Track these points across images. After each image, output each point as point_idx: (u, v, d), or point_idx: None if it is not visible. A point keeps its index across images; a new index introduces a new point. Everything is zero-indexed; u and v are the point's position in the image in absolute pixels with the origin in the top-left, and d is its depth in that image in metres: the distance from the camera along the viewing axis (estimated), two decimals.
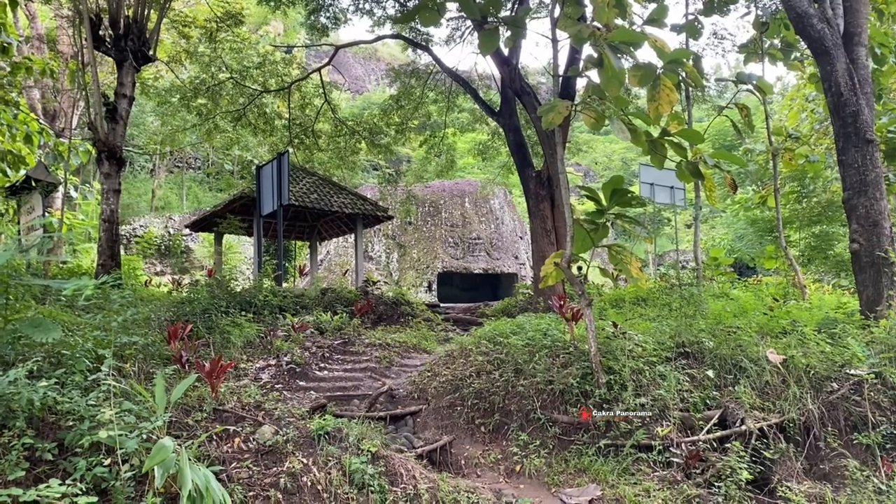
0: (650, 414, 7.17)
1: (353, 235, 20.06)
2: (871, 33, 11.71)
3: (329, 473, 5.52)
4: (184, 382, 5.49)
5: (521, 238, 33.60)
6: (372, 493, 5.44)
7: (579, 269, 16.15)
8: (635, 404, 7.16)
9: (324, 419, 6.12)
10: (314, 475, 5.48)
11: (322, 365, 9.65)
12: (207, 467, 5.12)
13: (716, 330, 8.73)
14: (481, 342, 8.83)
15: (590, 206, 8.12)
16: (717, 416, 7.35)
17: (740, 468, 6.35)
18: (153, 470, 4.43)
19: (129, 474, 4.54)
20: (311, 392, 8.51)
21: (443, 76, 22.11)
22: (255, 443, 5.71)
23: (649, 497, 6.13)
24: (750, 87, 11.48)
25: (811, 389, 7.38)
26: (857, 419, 7.12)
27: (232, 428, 5.76)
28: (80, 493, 4.26)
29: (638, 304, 12.00)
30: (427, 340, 12.03)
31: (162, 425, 4.97)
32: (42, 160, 18.10)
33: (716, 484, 6.35)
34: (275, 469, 5.48)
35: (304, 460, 5.60)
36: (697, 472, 6.61)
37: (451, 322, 14.84)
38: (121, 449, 4.61)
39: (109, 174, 14.79)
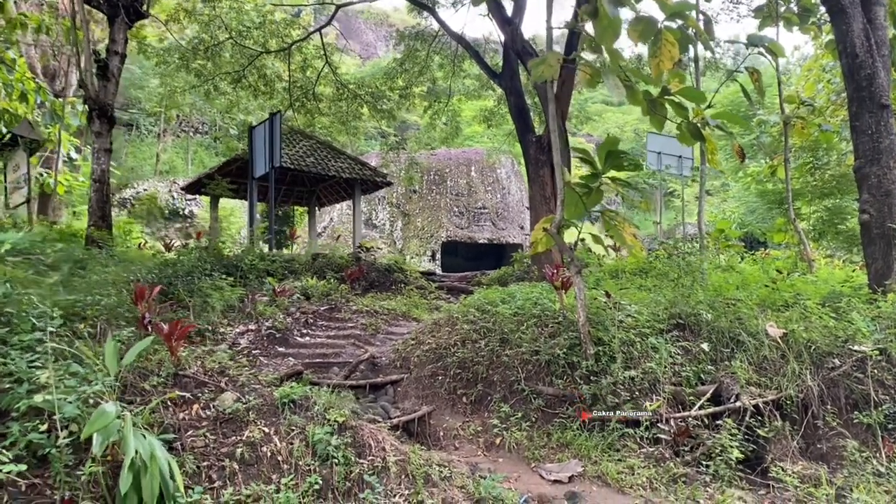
0: (640, 388, 6.82)
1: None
2: None
3: (291, 444, 5.21)
4: (138, 345, 5.18)
5: (527, 208, 33.04)
6: (336, 465, 5.14)
7: (582, 240, 15.76)
8: (624, 377, 6.81)
9: (291, 387, 5.80)
10: (275, 445, 5.18)
11: (304, 331, 9.35)
12: (159, 435, 4.84)
13: (715, 302, 8.33)
14: (469, 311, 8.48)
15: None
16: (710, 392, 6.99)
17: (732, 446, 6.01)
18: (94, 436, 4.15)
19: (66, 441, 4.24)
20: (290, 359, 8.21)
21: (448, 40, 21.47)
22: (214, 410, 5.41)
23: (633, 475, 5.81)
24: (762, 49, 10.93)
25: (811, 365, 6.99)
26: (859, 397, 6.73)
27: (187, 394, 5.45)
28: (7, 460, 3.97)
29: (638, 276, 11.60)
30: (417, 308, 11.70)
31: (106, 389, 4.66)
32: (29, 120, 17.70)
33: (705, 463, 6.01)
34: (233, 438, 5.19)
35: (266, 429, 5.29)
36: (686, 449, 6.27)
37: (445, 290, 14.49)
38: (60, 414, 4.31)
39: (100, 133, 14.43)
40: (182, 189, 21.28)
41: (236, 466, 4.93)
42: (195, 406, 5.42)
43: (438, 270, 26.81)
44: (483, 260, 31.72)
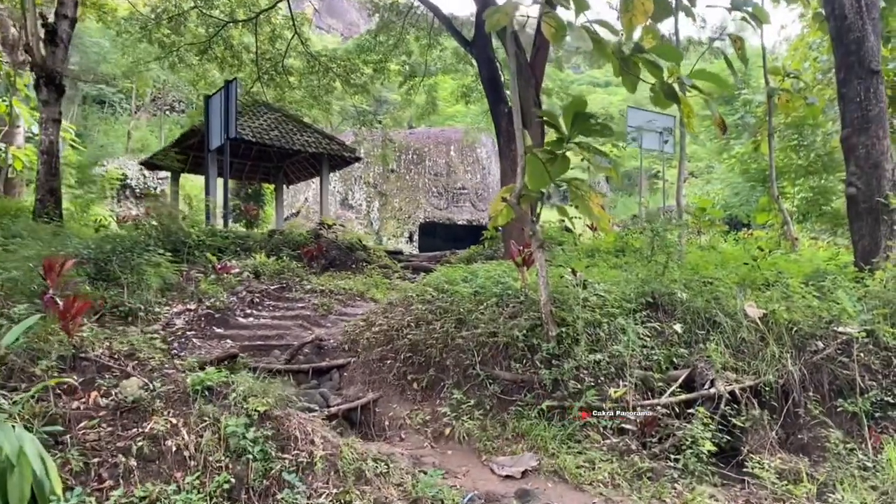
0: (605, 373, 6.21)
1: (329, 178, 18.94)
2: None
3: (201, 437, 4.55)
4: (23, 323, 4.50)
5: None
6: (253, 461, 4.48)
7: (561, 220, 15.03)
8: (588, 361, 6.19)
9: (207, 372, 5.12)
10: (182, 438, 4.50)
11: (248, 311, 8.66)
12: (43, 427, 4.18)
13: (691, 281, 7.73)
14: (426, 290, 7.83)
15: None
16: (683, 377, 6.40)
17: (704, 438, 5.41)
18: None
19: None
20: (228, 341, 7.53)
21: (425, 12, 20.62)
22: (115, 398, 4.73)
23: (593, 469, 5.20)
24: (745, 16, 10.28)
25: (793, 349, 6.41)
26: (844, 383, 6.15)
27: (81, 379, 4.76)
28: None
29: (615, 255, 11.00)
30: (377, 288, 11.02)
31: None
32: None
33: (674, 456, 5.42)
34: (134, 430, 4.50)
35: (174, 420, 4.62)
36: (654, 440, 5.69)
37: (411, 270, 13.84)
38: None
39: (48, 101, 13.57)
40: (140, 164, 20.36)
41: (133, 463, 4.26)
42: (93, 394, 4.74)
43: (416, 252, 26.11)
44: (462, 242, 30.91)
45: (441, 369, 6.53)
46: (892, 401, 5.92)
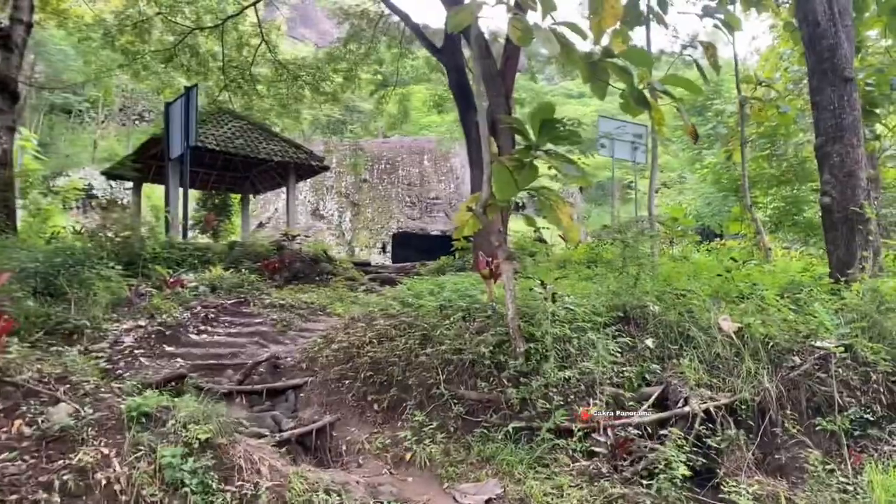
0: (575, 391, 5.91)
1: (299, 188, 18.49)
2: None
3: (135, 468, 4.16)
4: None
5: None
6: (192, 493, 4.10)
7: (539, 232, 14.75)
8: (558, 379, 5.88)
9: (144, 396, 4.73)
10: (113, 470, 4.11)
11: (202, 327, 8.24)
12: None
13: (664, 293, 7.49)
14: (390, 304, 7.49)
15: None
16: (655, 395, 6.13)
17: (678, 461, 5.12)
18: None
19: None
20: (179, 360, 7.10)
21: (396, 21, 20.32)
22: (41, 426, 4.32)
23: (561, 497, 4.88)
24: (717, 22, 10.13)
25: (769, 364, 6.16)
26: (822, 400, 5.91)
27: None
28: None
29: (588, 267, 10.75)
30: (341, 302, 10.63)
31: None
32: None
33: (646, 480, 5.11)
34: (60, 462, 4.10)
35: (105, 450, 4.22)
36: (626, 463, 5.38)
37: (379, 282, 13.47)
38: None
39: (1, 109, 13.05)
40: (102, 174, 19.79)
41: (57, 499, 3.86)
42: (16, 422, 4.33)
43: (389, 262, 25.70)
44: (436, 252, 30.54)
45: (403, 389, 6.18)
46: (871, 419, 5.68)
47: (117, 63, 19.87)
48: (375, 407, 6.13)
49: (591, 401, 5.85)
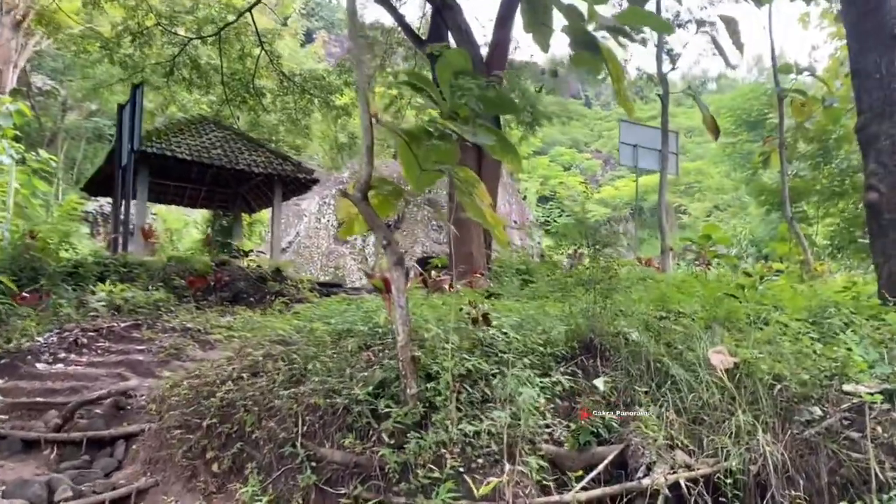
0: (486, 451, 4.14)
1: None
2: None
3: None
4: None
5: (514, 222, 30.32)
6: None
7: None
8: (457, 434, 4.12)
9: None
10: None
11: (63, 355, 6.75)
12: None
13: (648, 317, 5.66)
14: (284, 327, 5.87)
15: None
16: (609, 458, 4.31)
17: None
18: None
19: None
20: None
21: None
22: None
23: None
24: None
25: (774, 417, 4.28)
26: (852, 473, 4.01)
27: None
28: None
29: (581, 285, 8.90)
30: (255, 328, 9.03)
31: None
32: None
33: None
34: None
35: None
36: None
37: None
38: None
39: None
40: (82, 189, 18.86)
41: None
42: None
43: None
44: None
45: (254, 444, 4.48)
46: None
47: (116, 77, 19.08)
48: (214, 468, 4.44)
49: (508, 467, 4.05)
